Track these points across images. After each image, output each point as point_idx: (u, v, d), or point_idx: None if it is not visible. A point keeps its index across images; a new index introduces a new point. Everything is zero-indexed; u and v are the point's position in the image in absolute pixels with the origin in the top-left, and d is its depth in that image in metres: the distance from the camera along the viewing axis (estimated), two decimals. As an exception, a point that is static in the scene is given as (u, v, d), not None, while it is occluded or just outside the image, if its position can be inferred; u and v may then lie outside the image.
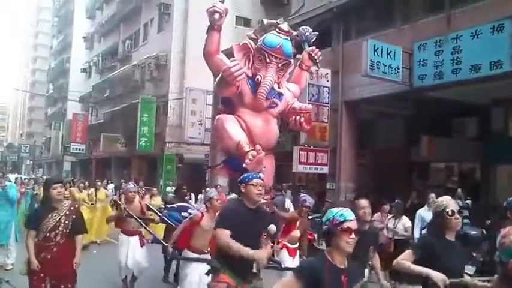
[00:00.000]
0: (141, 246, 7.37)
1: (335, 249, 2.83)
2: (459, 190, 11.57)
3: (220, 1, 5.60)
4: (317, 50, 6.32)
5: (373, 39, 11.56)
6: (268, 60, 5.45)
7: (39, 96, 62.85)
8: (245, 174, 4.18)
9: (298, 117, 5.73)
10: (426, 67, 11.14)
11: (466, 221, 9.05)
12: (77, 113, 38.24)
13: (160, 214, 7.31)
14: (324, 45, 12.24)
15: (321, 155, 13.80)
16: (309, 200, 6.83)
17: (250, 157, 5.05)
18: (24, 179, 17.58)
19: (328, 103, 13.86)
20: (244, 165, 5.10)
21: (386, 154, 15.42)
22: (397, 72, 11.43)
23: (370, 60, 10.97)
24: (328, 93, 13.79)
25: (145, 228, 7.35)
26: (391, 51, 11.29)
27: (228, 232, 3.79)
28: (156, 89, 26.71)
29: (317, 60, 6.33)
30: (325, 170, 14.03)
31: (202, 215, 5.97)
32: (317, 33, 6.39)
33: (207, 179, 20.59)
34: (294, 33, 5.90)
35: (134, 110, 25.59)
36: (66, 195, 5.90)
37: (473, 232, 9.06)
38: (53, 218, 4.92)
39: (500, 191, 12.87)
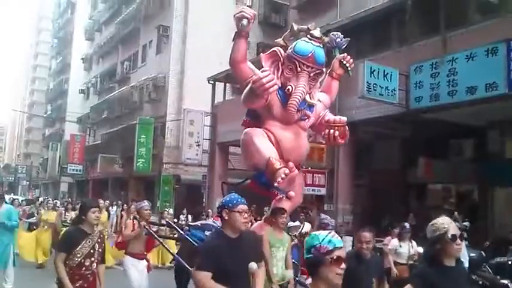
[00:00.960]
0: (148, 272, 6.85)
1: (321, 282, 2.50)
2: (455, 213, 11.51)
3: (247, 5, 5.11)
4: (349, 57, 5.82)
5: (370, 61, 11.66)
6: (299, 69, 4.96)
7: (37, 116, 62.90)
8: (228, 198, 3.76)
9: (332, 131, 5.13)
10: (422, 89, 11.22)
11: (465, 243, 8.99)
12: (74, 134, 38.24)
13: (182, 232, 7.14)
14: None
15: (319, 176, 13.82)
16: (332, 224, 6.43)
17: (283, 175, 4.57)
18: (21, 200, 17.37)
19: (325, 124, 13.83)
20: (275, 184, 4.70)
21: (383, 175, 15.41)
22: (394, 94, 11.51)
23: (367, 82, 11.05)
24: (325, 114, 13.75)
25: (166, 249, 7.00)
26: (387, 73, 11.39)
27: (208, 274, 3.50)
28: (154, 110, 26.79)
29: (349, 68, 5.84)
30: (323, 191, 14.02)
31: None
32: (348, 39, 5.93)
33: (204, 200, 20.54)
34: (326, 39, 5.45)
35: (132, 131, 25.64)
36: None
37: (472, 254, 9.00)
38: (87, 244, 4.72)
39: (497, 213, 12.85)
